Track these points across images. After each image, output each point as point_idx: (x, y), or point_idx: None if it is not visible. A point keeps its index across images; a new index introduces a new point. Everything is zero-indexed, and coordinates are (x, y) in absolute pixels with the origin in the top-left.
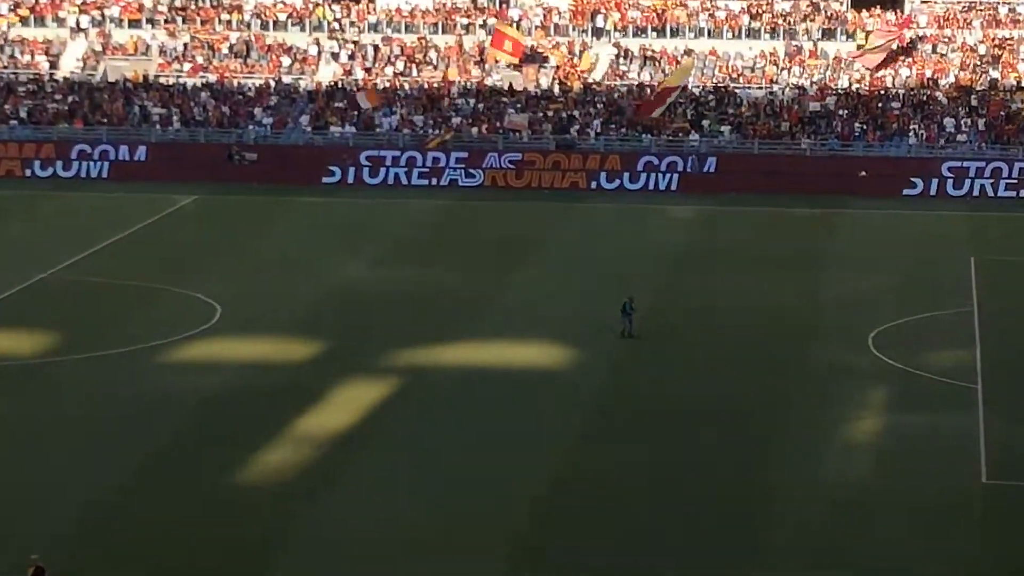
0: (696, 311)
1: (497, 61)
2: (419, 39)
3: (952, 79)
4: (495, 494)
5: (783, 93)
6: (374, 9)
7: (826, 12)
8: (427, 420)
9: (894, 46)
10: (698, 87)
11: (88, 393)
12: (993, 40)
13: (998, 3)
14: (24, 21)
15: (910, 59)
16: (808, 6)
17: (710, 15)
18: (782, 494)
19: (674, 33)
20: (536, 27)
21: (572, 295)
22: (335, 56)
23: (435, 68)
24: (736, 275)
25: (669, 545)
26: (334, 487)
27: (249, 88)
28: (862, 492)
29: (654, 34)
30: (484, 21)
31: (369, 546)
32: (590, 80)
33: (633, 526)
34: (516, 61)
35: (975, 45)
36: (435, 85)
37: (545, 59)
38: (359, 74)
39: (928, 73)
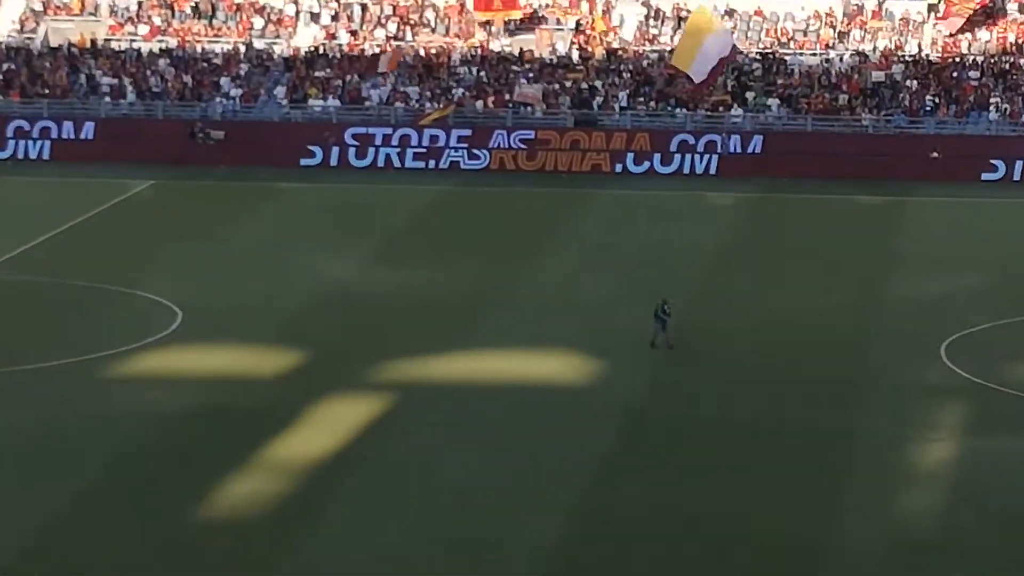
0: (740, 316)
1: (508, 22)
2: None
3: None
4: (504, 530)
5: (841, 60)
6: None
7: None
8: (424, 444)
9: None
10: (742, 54)
11: (25, 412)
12: None
13: None
14: None
15: (990, 21)
16: None
17: None
18: (841, 533)
19: None
20: None
21: (594, 297)
22: (315, 17)
23: (432, 31)
24: (787, 274)
25: None
26: (315, 523)
27: (215, 54)
28: (935, 531)
29: None
30: None
31: None
32: (615, 45)
33: (664, 572)
34: (517, 15)
35: None
36: (433, 51)
37: (559, 20)
38: (344, 38)
39: (1012, 37)
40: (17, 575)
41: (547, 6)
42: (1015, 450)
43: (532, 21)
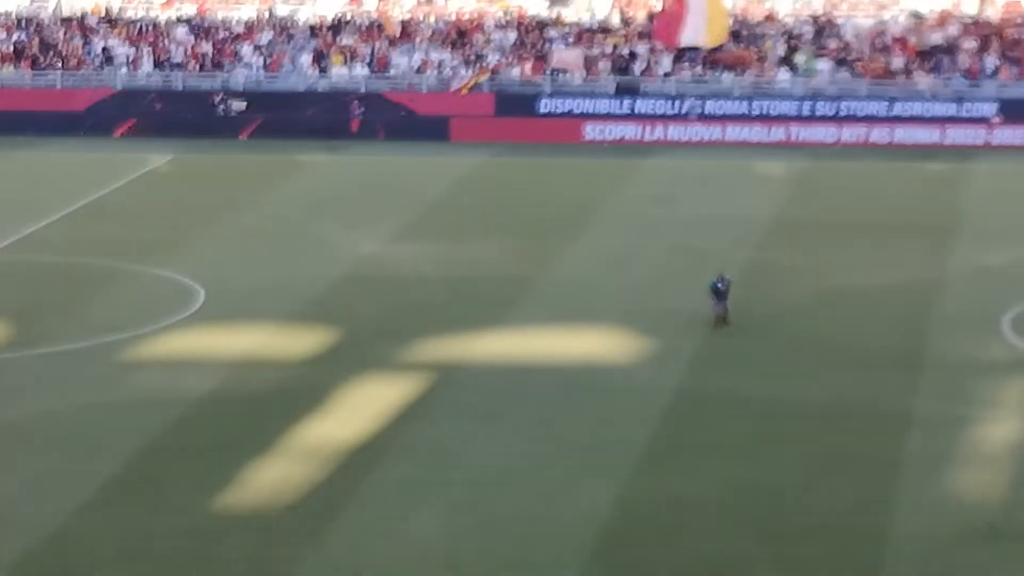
0: (793, 292)
1: None
2: None
3: None
4: (547, 515)
5: (896, 21)
6: None
7: None
8: (461, 427)
9: None
10: (791, 16)
11: (45, 398)
12: None
13: None
14: None
15: None
16: None
17: None
18: (900, 519)
19: None
20: None
21: (640, 273)
22: None
23: None
24: (841, 247)
25: None
26: (346, 511)
27: (236, 22)
28: (998, 515)
29: None
30: None
31: None
32: (658, 7)
33: (713, 561)
34: None
35: None
36: (465, 15)
37: None
38: (371, 3)
39: None
40: (41, 565)
41: None
42: None
43: None
